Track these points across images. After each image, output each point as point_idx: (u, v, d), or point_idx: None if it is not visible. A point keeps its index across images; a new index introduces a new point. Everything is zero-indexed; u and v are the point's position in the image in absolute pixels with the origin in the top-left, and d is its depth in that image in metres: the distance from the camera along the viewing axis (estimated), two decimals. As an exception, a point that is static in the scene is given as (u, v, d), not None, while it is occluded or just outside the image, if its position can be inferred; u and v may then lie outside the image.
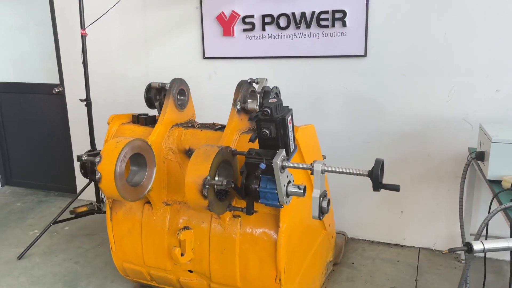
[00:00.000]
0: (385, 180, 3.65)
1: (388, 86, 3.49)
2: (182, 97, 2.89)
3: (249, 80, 2.67)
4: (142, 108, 3.10)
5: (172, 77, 4.29)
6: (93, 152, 2.55)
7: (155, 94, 2.87)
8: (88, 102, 3.80)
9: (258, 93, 2.60)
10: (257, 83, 2.64)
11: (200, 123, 2.87)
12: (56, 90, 4.72)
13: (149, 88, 2.86)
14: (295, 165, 2.02)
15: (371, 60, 3.49)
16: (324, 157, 3.06)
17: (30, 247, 3.75)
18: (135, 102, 4.21)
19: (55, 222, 3.81)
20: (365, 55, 3.49)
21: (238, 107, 2.56)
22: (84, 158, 2.44)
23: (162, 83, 2.81)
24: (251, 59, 3.87)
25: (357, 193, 3.77)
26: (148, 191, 2.54)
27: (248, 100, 2.60)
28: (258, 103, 2.60)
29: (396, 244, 3.77)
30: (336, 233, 3.72)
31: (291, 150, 2.15)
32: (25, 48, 5.01)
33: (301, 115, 3.78)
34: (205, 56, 4.02)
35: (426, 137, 3.48)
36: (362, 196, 3.77)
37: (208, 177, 2.12)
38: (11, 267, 3.55)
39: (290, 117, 2.10)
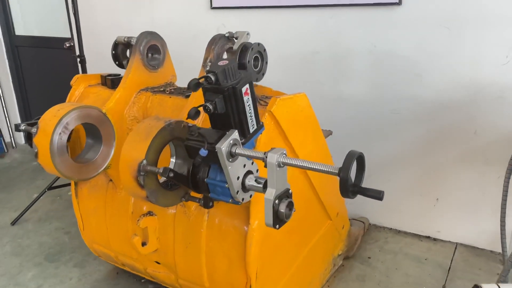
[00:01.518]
0: (420, 163, 3.01)
1: (428, 43, 2.75)
2: (156, 55, 2.39)
3: (226, 34, 2.10)
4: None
5: (177, 31, 3.81)
6: (34, 120, 2.15)
7: (122, 51, 2.40)
8: (81, 58, 3.43)
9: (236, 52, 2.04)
10: (236, 38, 2.08)
11: (176, 88, 2.37)
12: (67, 45, 4.41)
13: (115, 43, 2.38)
14: (245, 152, 1.48)
15: (407, 9, 2.76)
16: (329, 133, 2.46)
17: (24, 213, 3.56)
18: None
19: (50, 188, 3.58)
20: (399, 3, 2.75)
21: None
22: (22, 127, 2.05)
23: (129, 37, 2.33)
24: (263, 9, 3.25)
25: (384, 172, 3.15)
26: (105, 168, 2.12)
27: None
28: (234, 64, 2.04)
29: (427, 237, 3.13)
30: (354, 219, 3.15)
31: (251, 130, 1.61)
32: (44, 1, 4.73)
33: (319, 77, 3.15)
34: (213, 6, 3.46)
35: (473, 109, 2.74)
36: (390, 176, 3.14)
37: (144, 162, 1.64)
38: (2, 233, 3.38)
39: (246, 86, 1.54)
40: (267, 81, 2.20)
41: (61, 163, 1.95)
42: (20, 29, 5.00)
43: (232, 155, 1.50)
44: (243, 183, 1.59)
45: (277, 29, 3.21)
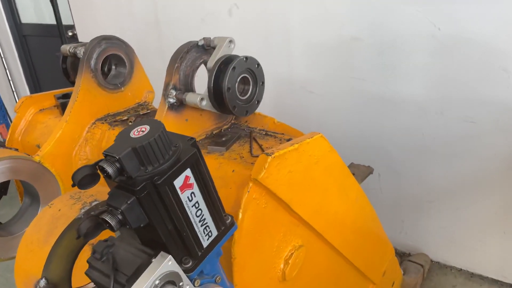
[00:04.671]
0: (503, 190, 2.12)
1: (521, 23, 1.85)
2: (120, 69, 1.71)
3: (200, 43, 1.36)
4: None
5: (182, 15, 3.08)
6: None
7: (73, 64, 1.74)
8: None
9: (210, 72, 1.30)
10: (214, 48, 1.33)
11: (149, 111, 1.70)
12: (70, 34, 3.84)
13: (63, 56, 1.72)
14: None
15: (489, -26, 1.85)
16: (368, 171, 1.69)
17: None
18: (146, 53, 3.09)
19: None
20: (476, -35, 1.85)
21: (171, 100, 1.32)
22: None
23: (76, 46, 1.65)
24: (285, -18, 2.44)
25: (450, 199, 2.34)
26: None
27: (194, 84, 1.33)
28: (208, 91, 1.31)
29: (513, 286, 2.30)
30: (409, 261, 2.38)
31: (206, 241, 0.90)
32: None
33: (359, 72, 2.34)
34: (222, -20, 2.68)
35: None
36: (459, 204, 2.33)
37: (42, 282, 1.00)
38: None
39: (186, 174, 0.82)
40: (289, 75, 1.44)
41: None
42: (28, 17, 4.51)
43: (160, 305, 0.81)
44: (196, 330, 0.91)
45: (303, 8, 2.40)
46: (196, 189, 0.85)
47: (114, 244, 0.89)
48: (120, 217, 0.78)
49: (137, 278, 0.80)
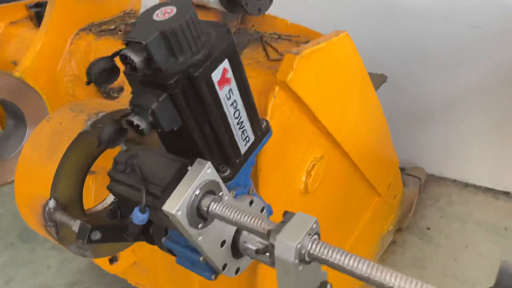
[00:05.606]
0: (505, 98, 2.06)
1: None
2: (101, -32, 1.49)
3: None
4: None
5: None
6: None
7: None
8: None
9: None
10: None
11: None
12: None
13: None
14: (229, 213, 0.69)
15: None
16: (382, 79, 1.59)
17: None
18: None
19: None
20: None
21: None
22: None
23: None
24: None
25: (451, 110, 2.30)
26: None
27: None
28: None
29: (506, 193, 2.35)
30: (406, 174, 2.37)
31: (244, 147, 0.79)
32: None
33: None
34: None
35: None
36: (460, 115, 2.29)
37: (51, 203, 0.88)
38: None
39: (224, 66, 0.69)
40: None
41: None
42: None
43: (203, 218, 0.71)
44: (234, 246, 0.82)
45: None
46: (234, 85, 0.72)
47: (138, 154, 0.77)
48: (150, 118, 0.65)
49: (173, 189, 0.69)
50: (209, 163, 0.71)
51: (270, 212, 0.94)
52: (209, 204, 0.70)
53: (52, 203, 0.88)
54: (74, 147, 0.89)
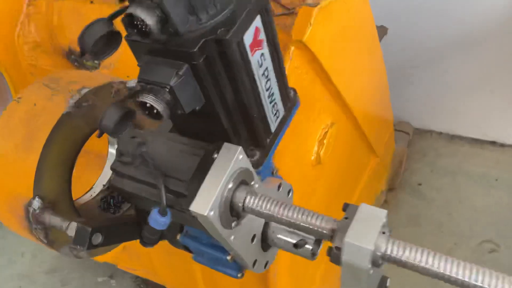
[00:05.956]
0: (497, 46, 1.99)
1: None
2: None
3: None
4: None
5: None
6: None
7: None
8: None
9: None
10: None
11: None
12: None
13: None
14: (272, 209, 0.56)
15: None
16: (383, 32, 1.45)
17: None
18: None
19: None
20: None
21: None
22: None
23: None
24: None
25: (438, 60, 2.21)
26: None
27: None
28: None
29: (493, 143, 2.32)
30: (395, 130, 2.30)
31: (275, 124, 0.65)
32: None
33: None
34: None
35: None
36: (449, 66, 2.21)
37: (35, 202, 0.72)
38: None
39: (256, 25, 0.54)
40: None
41: None
42: None
43: (237, 216, 0.58)
44: (264, 238, 0.70)
45: None
46: (265, 49, 0.57)
47: (147, 140, 0.62)
48: (168, 97, 0.50)
49: (200, 183, 0.55)
50: (240, 148, 0.57)
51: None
52: (245, 199, 0.56)
53: (37, 203, 0.72)
54: (56, 133, 0.73)
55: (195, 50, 0.48)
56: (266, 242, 0.72)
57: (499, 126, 2.28)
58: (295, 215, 0.53)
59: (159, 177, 0.56)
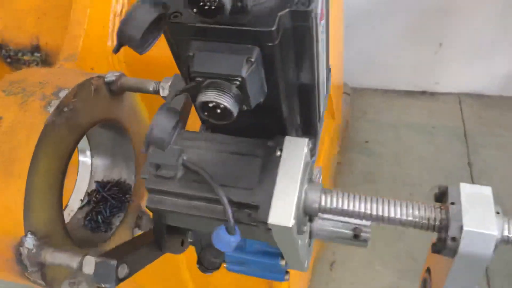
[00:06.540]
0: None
1: None
2: None
3: None
4: None
5: None
6: None
7: None
8: None
9: None
10: None
11: None
12: None
13: None
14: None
15: None
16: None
17: None
18: None
19: None
20: None
21: None
22: None
23: None
24: None
25: (366, 20, 2.24)
26: None
27: None
28: None
29: (423, 92, 2.44)
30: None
31: (322, 108, 0.56)
32: None
33: None
34: None
35: None
36: (376, 24, 2.25)
37: (30, 240, 0.57)
38: None
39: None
40: None
41: None
42: None
43: (310, 219, 0.49)
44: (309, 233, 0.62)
45: None
46: (324, 18, 0.48)
47: (184, 146, 0.49)
48: (237, 91, 0.39)
49: (271, 189, 0.45)
50: (307, 140, 0.48)
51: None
52: (320, 198, 0.48)
53: (30, 241, 0.57)
54: (41, 151, 0.57)
55: (273, 28, 0.38)
56: (309, 238, 0.65)
57: (427, 76, 2.39)
58: (392, 209, 0.46)
59: (217, 188, 0.45)
